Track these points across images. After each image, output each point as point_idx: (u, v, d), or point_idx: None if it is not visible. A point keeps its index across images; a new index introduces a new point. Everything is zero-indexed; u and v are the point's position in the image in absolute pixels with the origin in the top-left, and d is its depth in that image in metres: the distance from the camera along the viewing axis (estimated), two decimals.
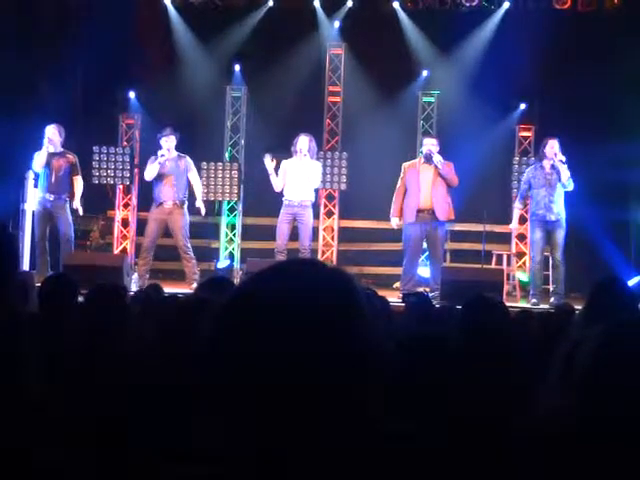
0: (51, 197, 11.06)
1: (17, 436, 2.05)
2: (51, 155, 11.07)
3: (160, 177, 11.21)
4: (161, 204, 11.23)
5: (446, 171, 10.95)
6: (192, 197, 11.51)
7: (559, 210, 10.77)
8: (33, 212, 11.42)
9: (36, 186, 11.47)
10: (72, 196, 11.20)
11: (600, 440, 1.70)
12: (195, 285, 10.57)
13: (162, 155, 11.15)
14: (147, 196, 11.95)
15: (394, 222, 11.22)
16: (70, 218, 11.18)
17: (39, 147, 11.12)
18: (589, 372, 1.76)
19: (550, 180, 10.78)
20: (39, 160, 11.02)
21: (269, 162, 11.27)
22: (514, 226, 11.68)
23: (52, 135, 11.09)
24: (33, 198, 11.58)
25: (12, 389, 2.19)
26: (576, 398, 1.76)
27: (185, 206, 11.32)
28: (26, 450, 2.01)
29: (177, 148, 11.47)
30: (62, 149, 11.21)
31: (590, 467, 1.69)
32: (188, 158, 11.46)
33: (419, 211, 10.97)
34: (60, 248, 11.05)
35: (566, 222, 10.81)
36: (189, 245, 11.28)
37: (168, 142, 11.26)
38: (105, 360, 3.48)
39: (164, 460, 1.27)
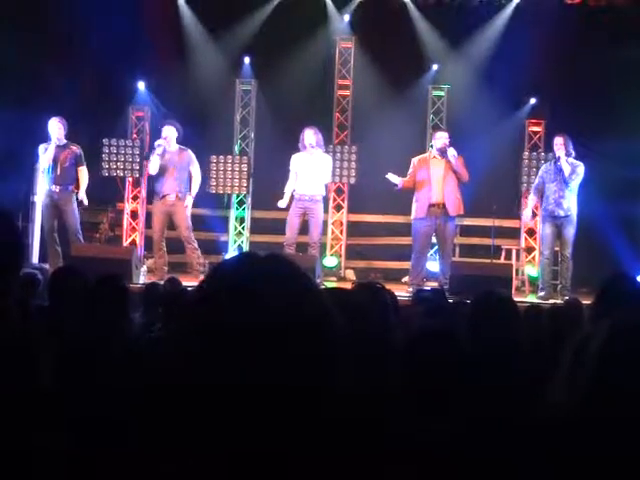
0: (57, 189, 11.11)
1: (26, 428, 2.06)
2: (56, 148, 11.12)
3: (162, 170, 11.32)
4: (164, 197, 11.34)
5: (458, 166, 10.95)
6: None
7: (569, 206, 10.81)
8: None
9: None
10: (78, 187, 11.27)
11: (605, 436, 1.69)
12: (201, 276, 10.76)
13: (159, 145, 11.24)
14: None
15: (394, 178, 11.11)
16: (76, 210, 11.25)
17: (48, 139, 11.17)
18: (596, 369, 1.75)
19: (560, 176, 10.83)
20: (47, 155, 11.07)
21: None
22: (526, 214, 11.58)
23: (58, 129, 11.13)
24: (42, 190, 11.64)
25: (22, 382, 2.20)
26: (583, 394, 1.76)
27: (186, 199, 11.42)
28: (34, 442, 2.01)
29: (186, 141, 11.50)
30: (66, 141, 11.25)
31: (594, 464, 1.69)
32: (190, 151, 11.51)
33: (431, 206, 10.95)
34: (69, 240, 11.11)
35: (577, 219, 10.83)
36: (192, 236, 11.38)
37: (166, 131, 11.34)
38: (107, 354, 3.48)
39: (166, 456, 1.28)
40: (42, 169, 11.24)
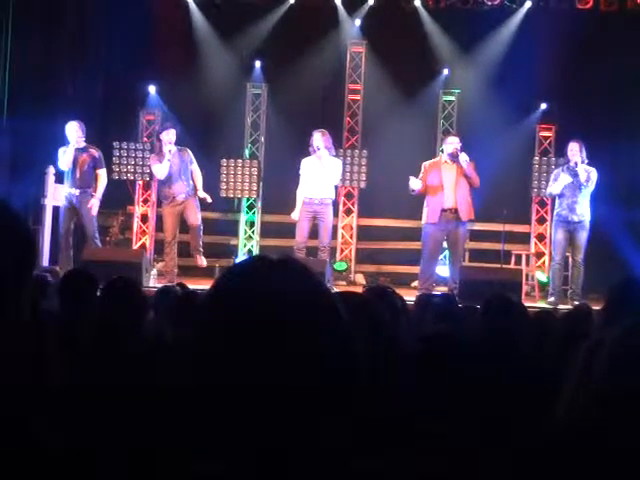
0: (77, 192, 11.15)
1: (37, 430, 2.07)
2: (76, 151, 11.14)
3: (169, 173, 11.34)
4: (174, 199, 11.35)
5: (470, 171, 10.92)
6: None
7: (583, 212, 10.79)
8: (59, 207, 11.47)
9: (59, 182, 11.56)
10: (96, 190, 11.27)
11: (617, 444, 1.69)
12: (200, 254, 11.38)
13: (170, 151, 11.27)
14: None
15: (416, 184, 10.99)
16: (94, 214, 11.25)
17: (60, 143, 11.20)
18: (606, 375, 1.76)
19: (574, 182, 10.81)
20: (66, 158, 11.10)
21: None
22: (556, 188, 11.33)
23: (75, 132, 11.16)
24: (54, 193, 11.67)
25: (31, 382, 2.21)
26: (593, 400, 1.76)
27: (195, 196, 11.49)
28: (45, 444, 2.02)
29: (197, 144, 11.52)
30: (85, 144, 11.27)
31: (605, 471, 1.69)
32: (189, 150, 11.56)
33: (443, 211, 10.92)
34: (87, 244, 11.13)
35: (590, 224, 10.82)
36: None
37: (169, 135, 11.35)
38: (119, 357, 3.49)
39: (179, 458, 1.28)
40: (63, 172, 11.27)
